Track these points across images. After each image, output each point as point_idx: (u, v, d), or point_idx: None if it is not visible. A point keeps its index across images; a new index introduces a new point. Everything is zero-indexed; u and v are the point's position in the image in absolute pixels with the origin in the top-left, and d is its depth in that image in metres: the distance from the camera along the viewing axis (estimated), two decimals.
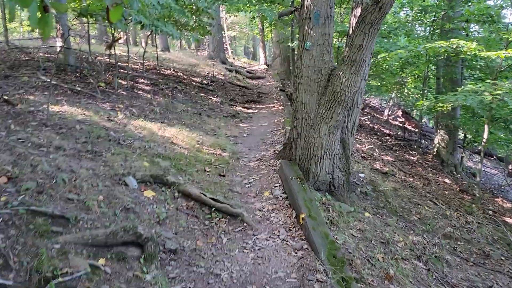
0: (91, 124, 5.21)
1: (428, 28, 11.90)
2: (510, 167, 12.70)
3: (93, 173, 3.90)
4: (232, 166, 5.55)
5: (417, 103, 7.49)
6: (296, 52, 10.51)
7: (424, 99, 10.56)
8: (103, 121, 5.61)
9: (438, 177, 10.36)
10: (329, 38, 4.80)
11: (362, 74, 4.75)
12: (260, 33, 20.80)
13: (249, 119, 9.72)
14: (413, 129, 16.23)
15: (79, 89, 7.39)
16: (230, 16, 23.30)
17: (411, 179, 8.65)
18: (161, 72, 11.93)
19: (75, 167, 3.85)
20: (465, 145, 13.09)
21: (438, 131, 12.04)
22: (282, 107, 11.25)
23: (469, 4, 9.49)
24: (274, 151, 6.12)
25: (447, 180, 10.18)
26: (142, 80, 10.02)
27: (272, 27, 14.97)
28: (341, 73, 4.66)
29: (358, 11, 5.18)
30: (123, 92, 8.32)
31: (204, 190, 4.51)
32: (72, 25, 9.42)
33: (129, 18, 7.12)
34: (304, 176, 5.10)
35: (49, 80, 7.46)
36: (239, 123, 9.03)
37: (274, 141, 6.95)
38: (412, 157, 11.67)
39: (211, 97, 10.95)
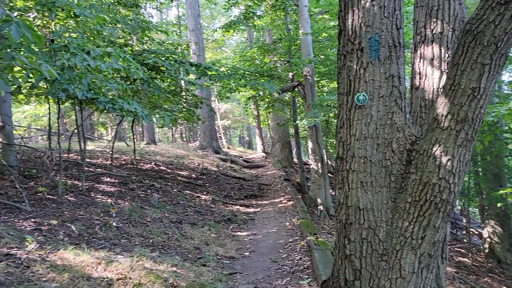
0: None
1: None
2: None
3: None
4: None
5: (497, 195, 5.08)
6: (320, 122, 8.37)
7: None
8: None
9: None
10: (399, 84, 2.57)
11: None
12: (256, 119, 19.28)
13: (251, 223, 7.14)
14: None
15: None
16: (222, 102, 22.21)
17: None
18: (139, 166, 9.66)
19: None
20: None
21: (487, 221, 9.58)
22: (291, 202, 8.77)
23: None
24: None
25: None
26: (108, 179, 7.67)
27: (270, 110, 13.26)
28: (436, 147, 2.33)
29: (428, 50, 3.06)
30: (71, 198, 5.88)
31: None
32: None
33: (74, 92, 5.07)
34: None
35: None
36: (237, 231, 6.44)
37: (295, 267, 4.28)
38: (465, 259, 8.94)
39: (199, 194, 8.51)
